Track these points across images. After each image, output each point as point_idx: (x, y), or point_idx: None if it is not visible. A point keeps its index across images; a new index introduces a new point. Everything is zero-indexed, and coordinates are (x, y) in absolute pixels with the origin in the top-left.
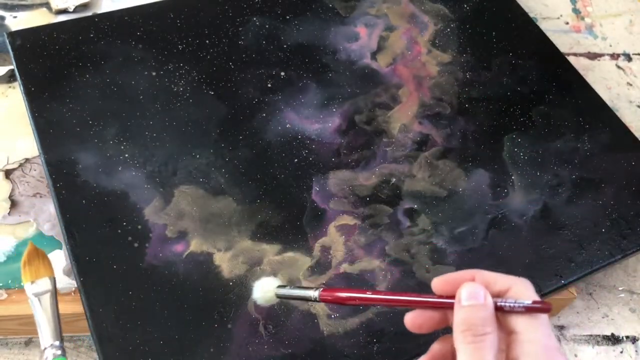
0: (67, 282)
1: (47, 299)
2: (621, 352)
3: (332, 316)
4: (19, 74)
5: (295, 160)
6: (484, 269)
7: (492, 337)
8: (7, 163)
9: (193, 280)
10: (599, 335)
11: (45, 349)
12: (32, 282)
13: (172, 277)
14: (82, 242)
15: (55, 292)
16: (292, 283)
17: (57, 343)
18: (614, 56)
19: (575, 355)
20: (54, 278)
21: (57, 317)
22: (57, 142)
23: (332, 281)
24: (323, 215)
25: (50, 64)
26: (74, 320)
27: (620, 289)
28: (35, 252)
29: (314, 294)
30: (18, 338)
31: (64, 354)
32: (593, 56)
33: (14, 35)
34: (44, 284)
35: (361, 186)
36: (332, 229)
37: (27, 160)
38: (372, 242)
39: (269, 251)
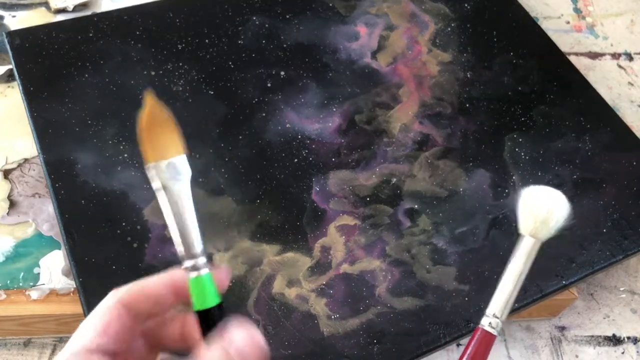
0: (66, 283)
1: (184, 185)
2: (622, 352)
3: (332, 317)
4: (18, 74)
5: (295, 160)
6: (485, 270)
7: None
8: (6, 163)
9: None
10: (600, 336)
11: (193, 259)
12: (155, 163)
13: None
14: (81, 243)
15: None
16: (291, 283)
17: (201, 250)
18: (615, 56)
19: (577, 356)
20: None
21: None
22: (56, 142)
23: (332, 281)
24: (323, 216)
25: (49, 64)
26: (73, 320)
27: (621, 289)
28: (155, 113)
29: None
30: (17, 339)
31: (207, 266)
32: (594, 56)
33: (12, 35)
34: (177, 164)
35: (361, 186)
36: (332, 229)
37: (26, 160)
38: (372, 242)
39: (269, 251)
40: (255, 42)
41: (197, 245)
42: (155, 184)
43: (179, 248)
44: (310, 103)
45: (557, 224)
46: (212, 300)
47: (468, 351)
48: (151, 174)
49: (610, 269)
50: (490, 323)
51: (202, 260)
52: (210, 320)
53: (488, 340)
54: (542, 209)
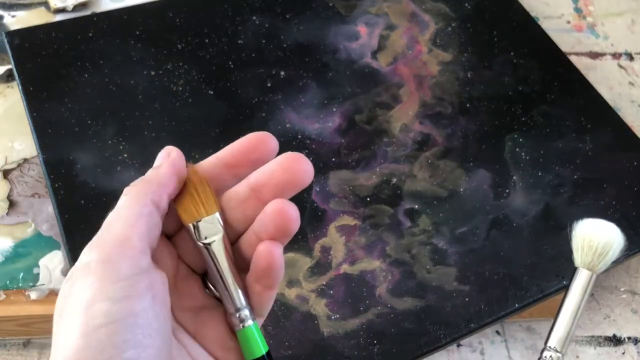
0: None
1: (218, 244)
2: (623, 353)
3: (332, 317)
4: (17, 74)
5: None
6: (485, 270)
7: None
8: (6, 163)
9: None
10: (600, 337)
11: (237, 312)
12: (197, 222)
13: None
14: (80, 243)
15: (225, 234)
16: (291, 283)
17: (244, 303)
18: (616, 56)
19: (577, 357)
20: (219, 214)
21: (232, 268)
22: (55, 142)
23: (332, 282)
24: (323, 216)
25: (49, 64)
26: None
27: (622, 289)
28: (195, 177)
29: None
30: (16, 339)
31: (253, 318)
32: (595, 56)
33: (12, 35)
34: (210, 224)
35: (361, 186)
36: (332, 229)
37: (25, 160)
38: (372, 242)
39: None
40: (255, 42)
41: (240, 297)
42: (205, 239)
43: (227, 304)
44: (310, 103)
45: (613, 256)
46: (258, 351)
47: None
48: (201, 228)
49: (610, 269)
50: (551, 356)
51: (245, 312)
52: None
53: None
54: (599, 243)
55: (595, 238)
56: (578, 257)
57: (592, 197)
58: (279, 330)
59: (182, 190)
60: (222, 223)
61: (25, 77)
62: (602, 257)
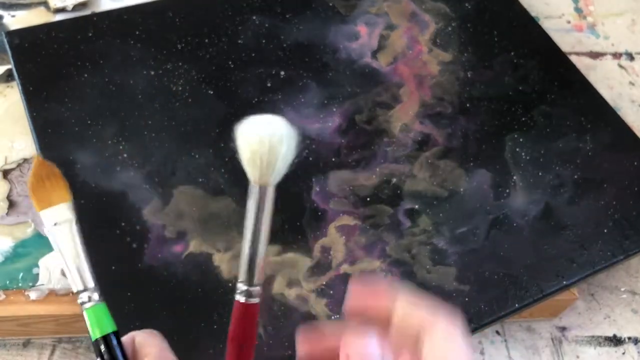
0: (65, 283)
1: (66, 230)
2: (623, 353)
3: (332, 317)
4: (17, 74)
5: (295, 160)
6: (485, 270)
7: None
8: (5, 163)
9: (192, 281)
10: (600, 337)
11: (79, 292)
12: (44, 211)
13: (171, 277)
14: None
15: (77, 222)
16: (291, 284)
17: (92, 285)
18: (616, 55)
19: (577, 357)
20: (72, 204)
21: (85, 255)
22: (55, 142)
23: (332, 282)
24: (323, 216)
25: (49, 63)
26: (73, 321)
27: (622, 289)
28: (41, 170)
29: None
30: (16, 339)
31: (102, 298)
32: (595, 55)
33: (12, 35)
34: (59, 212)
35: (361, 186)
36: (332, 229)
37: (25, 160)
38: (372, 242)
39: (269, 252)
40: (255, 42)
41: (90, 279)
42: (53, 225)
43: (74, 284)
44: (310, 103)
45: (282, 162)
46: (109, 327)
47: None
48: (50, 215)
49: (611, 269)
50: (239, 289)
51: (96, 294)
52: (110, 346)
53: (244, 310)
54: (262, 155)
55: (256, 151)
56: (248, 173)
57: (592, 197)
58: (279, 330)
59: (36, 181)
60: (73, 211)
61: (25, 77)
62: (270, 169)
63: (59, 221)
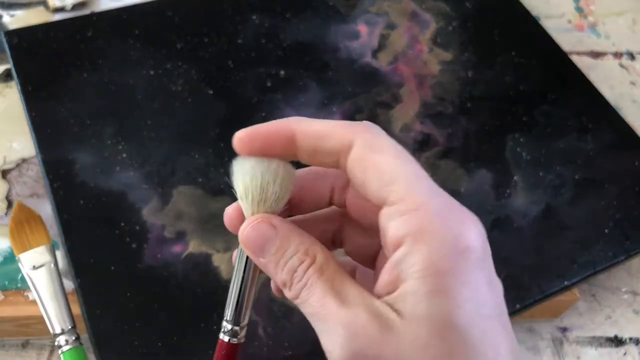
0: (64, 283)
1: (44, 273)
2: (624, 354)
3: None
4: (16, 73)
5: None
6: None
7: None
8: (4, 163)
9: (192, 282)
10: (602, 337)
11: (56, 336)
12: (23, 254)
13: (170, 278)
14: (79, 243)
15: (56, 264)
16: None
17: (69, 326)
18: (617, 55)
19: (578, 358)
20: (52, 246)
21: (64, 296)
22: (54, 142)
23: None
24: None
25: (48, 63)
26: None
27: (623, 290)
28: (21, 214)
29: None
30: (15, 340)
31: (79, 340)
32: (596, 55)
33: (10, 34)
34: (38, 255)
35: None
36: None
37: (24, 160)
38: None
39: None
40: (255, 41)
41: (69, 321)
42: (32, 269)
43: (52, 326)
44: (311, 103)
45: (275, 200)
46: None
47: None
48: (29, 259)
49: (612, 270)
50: (224, 329)
51: (72, 335)
52: None
53: (228, 350)
54: (251, 188)
55: (248, 186)
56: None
57: (594, 197)
58: (279, 331)
59: (14, 225)
60: (53, 254)
61: (23, 77)
62: (262, 206)
63: (37, 264)
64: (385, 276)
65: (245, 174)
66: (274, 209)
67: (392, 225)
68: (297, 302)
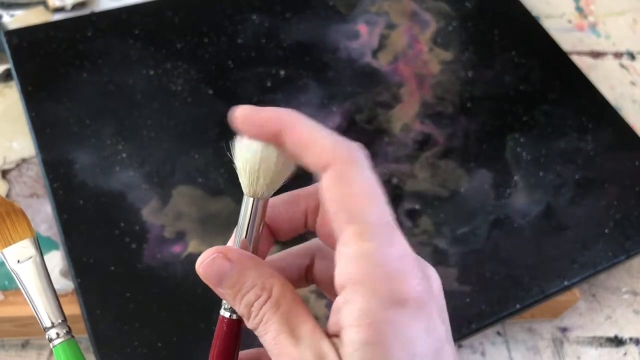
0: (64, 284)
1: (30, 266)
2: (624, 354)
3: None
4: (16, 73)
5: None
6: (486, 270)
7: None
8: (4, 163)
9: (191, 282)
10: (602, 337)
11: (47, 329)
12: (6, 249)
13: (170, 278)
14: (79, 243)
15: (42, 257)
16: None
17: (60, 320)
18: (617, 55)
19: (578, 358)
20: (35, 238)
21: (52, 289)
22: (54, 142)
23: None
24: None
25: (47, 63)
26: (71, 322)
27: (623, 290)
28: (1, 208)
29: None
30: (15, 340)
31: (71, 334)
32: (596, 55)
33: (10, 34)
34: (22, 249)
35: None
36: None
37: (24, 160)
38: None
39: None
40: (255, 41)
41: (59, 314)
42: (17, 263)
43: (42, 321)
44: (311, 102)
45: (274, 176)
46: None
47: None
48: (13, 253)
49: (612, 270)
50: (225, 304)
51: (63, 329)
52: None
53: (230, 326)
54: (250, 162)
55: (248, 161)
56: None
57: (594, 197)
58: None
59: None
60: (37, 247)
61: (23, 77)
62: (261, 181)
63: (22, 259)
64: (332, 317)
65: (244, 151)
66: (271, 188)
67: (338, 266)
68: (255, 333)
